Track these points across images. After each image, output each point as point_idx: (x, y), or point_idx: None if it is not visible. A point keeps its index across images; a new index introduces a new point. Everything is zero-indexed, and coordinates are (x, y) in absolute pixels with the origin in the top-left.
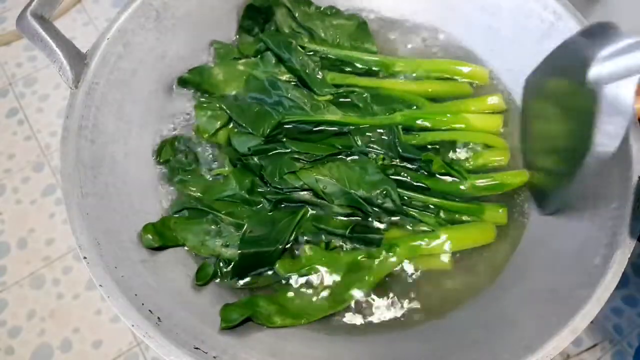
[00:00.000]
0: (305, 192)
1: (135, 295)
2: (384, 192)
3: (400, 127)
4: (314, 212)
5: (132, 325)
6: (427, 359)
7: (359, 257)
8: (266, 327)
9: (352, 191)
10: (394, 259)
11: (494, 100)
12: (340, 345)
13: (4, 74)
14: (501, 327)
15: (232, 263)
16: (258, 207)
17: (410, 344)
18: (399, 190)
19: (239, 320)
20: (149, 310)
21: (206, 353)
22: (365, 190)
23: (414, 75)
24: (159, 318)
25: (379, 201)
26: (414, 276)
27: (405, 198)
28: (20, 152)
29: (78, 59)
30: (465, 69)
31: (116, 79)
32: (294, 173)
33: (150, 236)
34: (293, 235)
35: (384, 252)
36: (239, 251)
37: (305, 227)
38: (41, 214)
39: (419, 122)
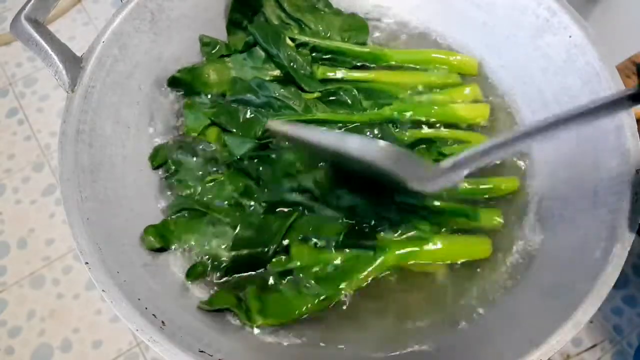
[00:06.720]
0: (301, 196)
1: (139, 299)
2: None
3: (390, 123)
4: (308, 215)
5: (137, 330)
6: (430, 357)
7: (347, 258)
8: (249, 326)
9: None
10: (382, 263)
11: (474, 90)
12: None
13: (4, 74)
14: (503, 323)
15: (224, 264)
16: (251, 209)
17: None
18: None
19: (217, 307)
20: (153, 315)
21: (211, 356)
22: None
23: (405, 66)
24: (163, 322)
25: (375, 204)
26: (407, 280)
27: (400, 200)
28: (20, 152)
29: (74, 63)
30: (454, 58)
31: (113, 82)
32: (290, 176)
33: (152, 238)
34: (286, 237)
35: (373, 256)
36: (232, 252)
37: (298, 230)
38: (41, 214)
39: (407, 114)
